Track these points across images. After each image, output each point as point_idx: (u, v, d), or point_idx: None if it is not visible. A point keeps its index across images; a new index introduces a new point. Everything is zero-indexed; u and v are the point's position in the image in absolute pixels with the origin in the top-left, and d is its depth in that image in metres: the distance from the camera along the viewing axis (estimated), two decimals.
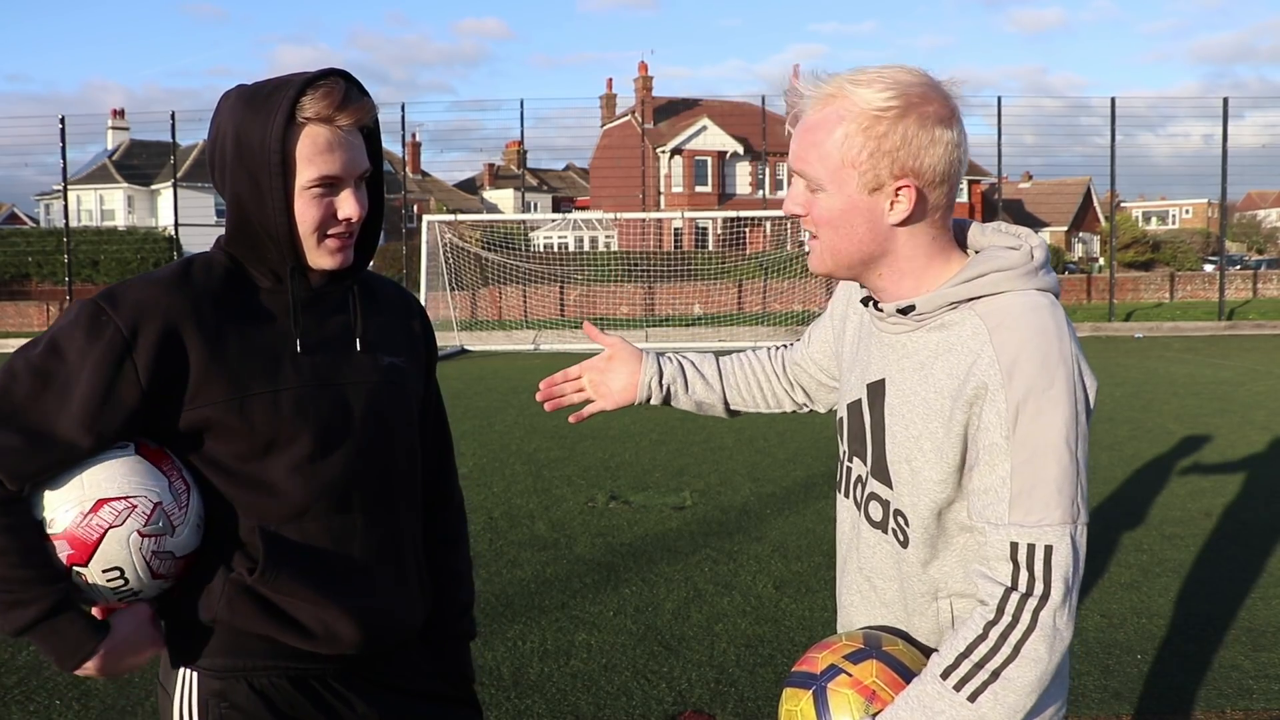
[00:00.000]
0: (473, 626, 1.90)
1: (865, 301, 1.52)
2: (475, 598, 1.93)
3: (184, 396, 1.49)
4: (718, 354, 1.94)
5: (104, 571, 1.43)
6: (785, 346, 1.91)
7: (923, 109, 1.35)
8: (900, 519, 1.47)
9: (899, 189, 1.37)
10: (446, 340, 21.86)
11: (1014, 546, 1.31)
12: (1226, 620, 4.48)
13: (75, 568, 1.43)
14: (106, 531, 1.42)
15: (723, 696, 3.77)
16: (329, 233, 1.55)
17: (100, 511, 1.42)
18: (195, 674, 1.55)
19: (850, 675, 1.38)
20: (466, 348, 21.75)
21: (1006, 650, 1.30)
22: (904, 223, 1.40)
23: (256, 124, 1.48)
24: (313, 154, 1.49)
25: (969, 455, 1.37)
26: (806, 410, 1.90)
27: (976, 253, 1.48)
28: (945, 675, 1.32)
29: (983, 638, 1.31)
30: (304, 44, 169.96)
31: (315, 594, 1.55)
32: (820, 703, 1.38)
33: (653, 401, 1.83)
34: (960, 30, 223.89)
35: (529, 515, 6.55)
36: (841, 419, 1.62)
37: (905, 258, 1.43)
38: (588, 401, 1.86)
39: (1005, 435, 1.31)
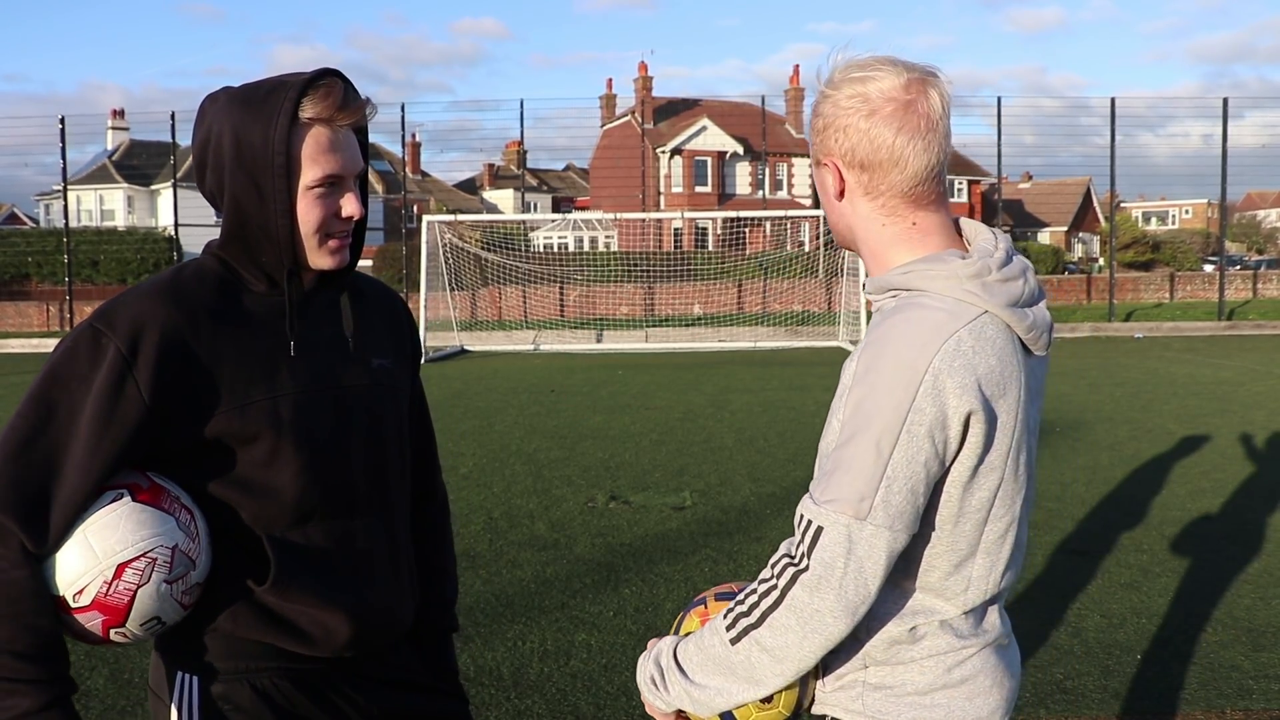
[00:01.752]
0: (455, 621, 1.91)
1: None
2: (459, 592, 1.93)
3: (189, 410, 1.48)
4: None
5: (142, 625, 1.45)
6: None
7: (857, 95, 1.39)
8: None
9: (826, 163, 1.45)
10: (446, 340, 21.86)
11: (800, 517, 1.35)
12: (1226, 620, 4.48)
13: (113, 629, 1.43)
14: (135, 592, 1.42)
15: None
16: (331, 232, 1.55)
17: (124, 576, 1.41)
18: (195, 678, 1.55)
19: (705, 608, 1.52)
20: (466, 348, 21.76)
21: (763, 608, 1.34)
22: (844, 200, 1.46)
23: (257, 125, 1.48)
24: (317, 154, 1.50)
25: None
26: None
27: None
28: (727, 614, 1.38)
29: (753, 590, 1.37)
30: (301, 44, 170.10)
31: (318, 599, 1.55)
32: (680, 621, 1.55)
33: None
34: (959, 30, 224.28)
35: (529, 515, 6.55)
36: None
37: (862, 239, 1.48)
38: None
39: (840, 419, 1.35)
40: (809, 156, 1.49)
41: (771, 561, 1.38)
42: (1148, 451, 8.31)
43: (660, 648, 1.46)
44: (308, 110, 1.49)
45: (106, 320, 1.46)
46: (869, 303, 1.81)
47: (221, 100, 1.52)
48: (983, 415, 1.31)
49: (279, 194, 1.49)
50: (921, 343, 1.31)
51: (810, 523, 1.32)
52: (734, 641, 1.35)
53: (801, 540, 1.33)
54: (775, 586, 1.34)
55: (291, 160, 1.49)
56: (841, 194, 1.45)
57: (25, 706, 1.37)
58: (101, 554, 1.41)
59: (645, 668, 1.46)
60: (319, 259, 1.56)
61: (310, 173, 1.50)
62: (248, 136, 1.48)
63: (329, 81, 1.51)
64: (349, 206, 1.55)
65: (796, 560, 1.33)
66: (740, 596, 1.38)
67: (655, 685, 1.43)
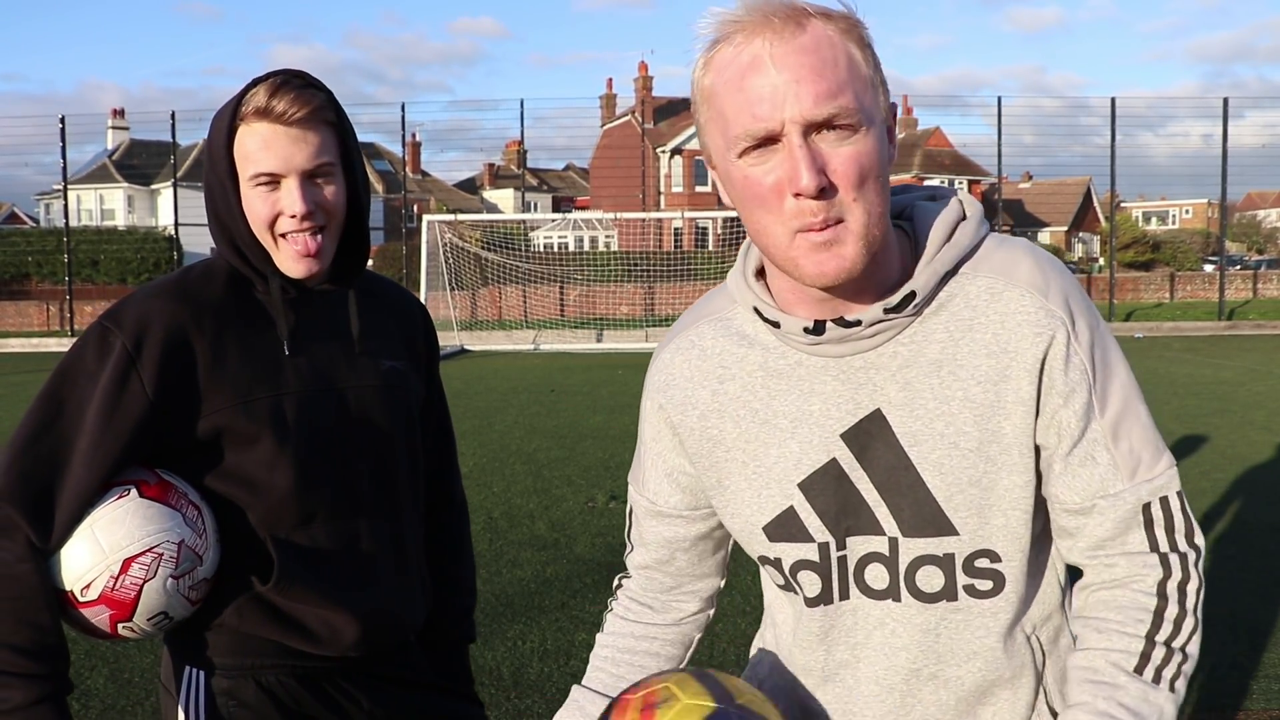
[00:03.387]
0: (472, 630, 1.90)
1: (818, 328, 1.12)
2: (476, 601, 1.92)
3: (192, 406, 1.49)
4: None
5: (149, 619, 1.46)
6: (622, 582, 1.43)
7: (865, 30, 1.08)
8: (982, 560, 1.15)
9: (892, 117, 1.10)
10: (446, 340, 21.86)
11: (1146, 508, 1.13)
12: (1226, 620, 4.47)
13: (121, 623, 1.44)
14: (142, 587, 1.43)
15: None
16: (283, 232, 1.52)
17: (130, 570, 1.42)
18: (202, 673, 1.56)
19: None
20: (466, 348, 21.76)
21: (1190, 621, 1.13)
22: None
23: (214, 130, 1.52)
24: (250, 150, 1.49)
25: (1048, 432, 1.13)
26: (710, 610, 1.46)
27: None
28: (1141, 670, 1.11)
29: (1160, 618, 1.12)
30: (300, 43, 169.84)
31: (322, 599, 1.56)
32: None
33: None
34: (958, 29, 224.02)
35: (529, 515, 6.55)
36: (788, 511, 1.18)
37: (888, 218, 1.10)
38: None
39: (1090, 389, 1.12)
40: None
41: (1143, 578, 1.13)
42: None
43: None
44: (245, 107, 1.49)
45: (114, 318, 1.48)
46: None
47: None
48: None
49: (230, 195, 1.51)
50: (1060, 262, 1.17)
51: (1165, 499, 1.14)
52: (1173, 685, 1.11)
53: (1165, 528, 1.13)
54: (1183, 588, 1.13)
55: (232, 159, 1.50)
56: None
57: (16, 700, 1.38)
58: (108, 549, 1.42)
59: None
60: (282, 262, 1.54)
61: (244, 169, 1.51)
62: (212, 142, 1.52)
63: (273, 77, 1.50)
64: (286, 203, 1.50)
65: (1182, 545, 1.14)
66: (1143, 635, 1.12)
67: None
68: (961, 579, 1.15)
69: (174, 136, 29.11)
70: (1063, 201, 54.80)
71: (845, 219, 1.04)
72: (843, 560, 1.18)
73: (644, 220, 32.86)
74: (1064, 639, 1.23)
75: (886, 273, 1.12)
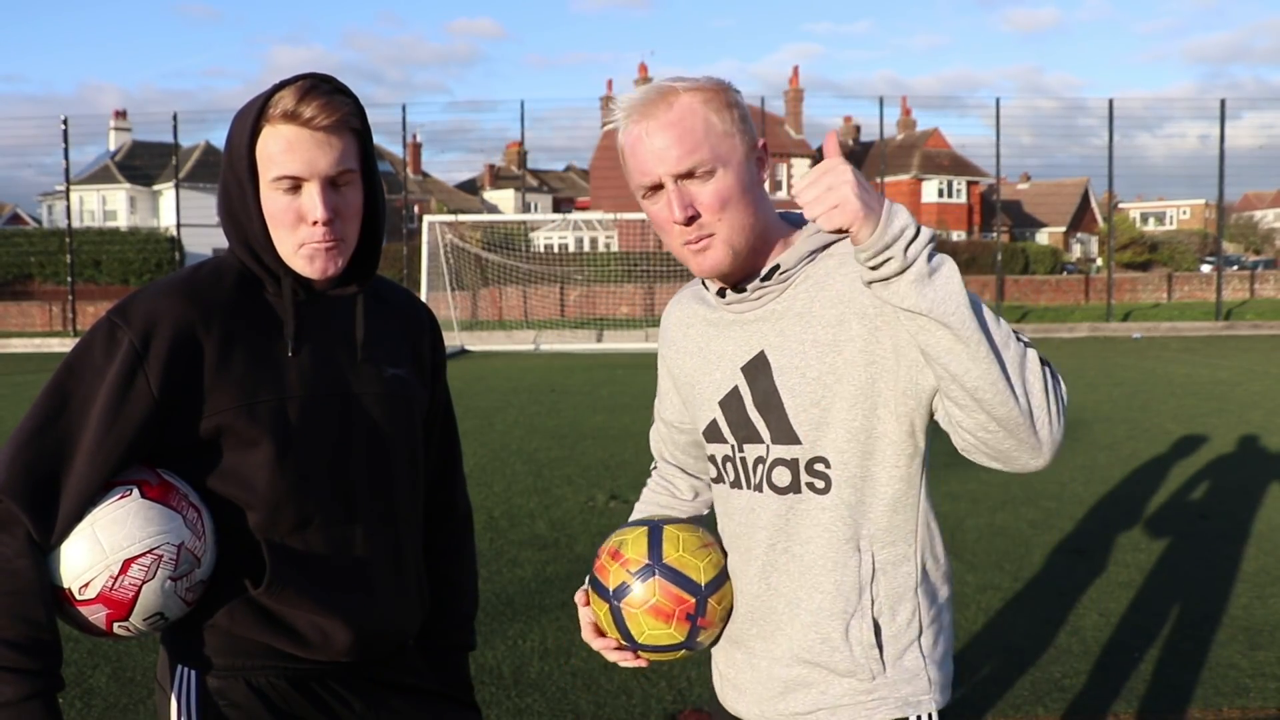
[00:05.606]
0: (472, 638, 1.89)
1: (721, 292, 1.57)
2: (477, 609, 1.91)
3: (196, 406, 1.49)
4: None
5: (145, 620, 1.46)
6: (652, 472, 1.91)
7: (728, 93, 1.52)
8: (817, 465, 1.50)
9: (762, 150, 1.52)
10: (447, 340, 21.69)
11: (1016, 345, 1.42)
12: (1223, 619, 4.50)
13: (116, 622, 1.45)
14: (140, 588, 1.43)
15: None
16: (302, 241, 1.51)
17: (130, 571, 1.42)
18: (194, 672, 1.57)
19: (639, 595, 1.55)
20: (466, 348, 21.76)
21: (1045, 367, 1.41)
22: (758, 189, 1.54)
23: (236, 129, 1.51)
24: (273, 152, 1.48)
25: (903, 358, 1.44)
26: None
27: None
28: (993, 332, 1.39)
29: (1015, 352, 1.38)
30: (298, 44, 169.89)
31: (315, 604, 1.56)
32: (618, 619, 1.57)
33: None
34: (955, 30, 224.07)
35: (529, 514, 6.57)
36: (714, 421, 1.61)
37: (771, 224, 1.55)
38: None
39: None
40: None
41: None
42: (1145, 451, 8.34)
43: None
44: (272, 109, 1.48)
45: (123, 314, 1.49)
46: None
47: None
48: None
49: (250, 196, 1.50)
50: None
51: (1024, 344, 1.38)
52: (1022, 344, 1.38)
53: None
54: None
55: (254, 159, 1.49)
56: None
57: (8, 695, 1.38)
58: (109, 549, 1.42)
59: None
60: (298, 265, 1.54)
61: (267, 171, 1.49)
62: (233, 140, 1.51)
63: (301, 81, 1.49)
64: (308, 208, 1.50)
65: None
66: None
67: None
68: (804, 477, 1.52)
69: (175, 138, 29.13)
70: (1061, 202, 54.86)
71: (715, 233, 1.48)
72: (743, 460, 1.59)
73: (644, 221, 32.79)
74: (906, 568, 1.52)
75: (767, 258, 1.54)
